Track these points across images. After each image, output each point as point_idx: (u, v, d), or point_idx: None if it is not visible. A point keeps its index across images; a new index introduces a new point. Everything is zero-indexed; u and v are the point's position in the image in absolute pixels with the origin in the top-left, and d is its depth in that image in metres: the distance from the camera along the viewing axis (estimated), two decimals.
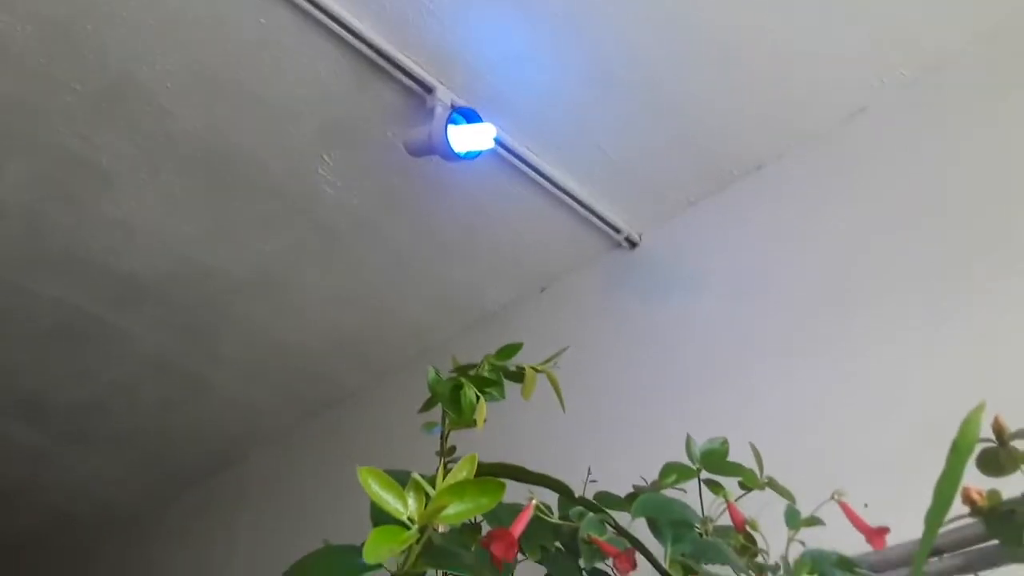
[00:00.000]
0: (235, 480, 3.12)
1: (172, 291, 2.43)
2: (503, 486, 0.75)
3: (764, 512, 1.04)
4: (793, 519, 0.99)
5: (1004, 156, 1.57)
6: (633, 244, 2.14)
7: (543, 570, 1.04)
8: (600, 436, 1.93)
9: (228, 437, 3.04)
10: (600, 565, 1.05)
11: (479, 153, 1.76)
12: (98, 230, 2.22)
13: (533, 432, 1.87)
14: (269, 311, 2.48)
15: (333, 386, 2.75)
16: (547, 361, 1.11)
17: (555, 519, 0.97)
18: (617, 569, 0.99)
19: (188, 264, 2.33)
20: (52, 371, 2.79)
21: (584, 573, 1.05)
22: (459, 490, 0.74)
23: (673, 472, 1.10)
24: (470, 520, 0.93)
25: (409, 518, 0.74)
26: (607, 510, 1.01)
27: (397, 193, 2.08)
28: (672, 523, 0.95)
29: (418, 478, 0.76)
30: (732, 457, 1.15)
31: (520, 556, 0.98)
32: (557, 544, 1.01)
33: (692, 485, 1.13)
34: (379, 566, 0.73)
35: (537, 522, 0.94)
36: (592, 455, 1.72)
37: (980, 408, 0.74)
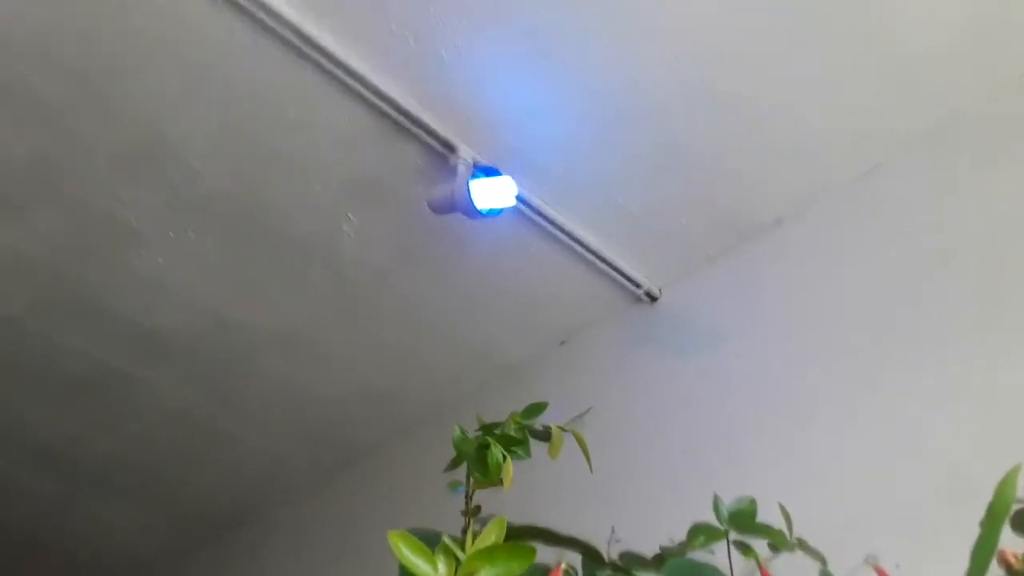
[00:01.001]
0: (260, 533, 3.09)
1: (197, 345, 2.44)
2: (533, 551, 0.74)
3: (795, 575, 1.03)
4: None
5: (1021, 208, 1.58)
6: (653, 298, 2.15)
7: None
8: (621, 491, 1.91)
9: (254, 490, 3.03)
10: None
11: (501, 210, 1.78)
12: (126, 285, 2.25)
13: (555, 488, 1.85)
14: (294, 366, 2.49)
15: (358, 440, 2.74)
16: (573, 420, 1.10)
17: None
18: None
19: (213, 318, 2.35)
20: (75, 423, 2.80)
21: None
22: (489, 555, 0.74)
23: (701, 534, 1.08)
24: None
25: None
26: (634, 573, 1.00)
27: (420, 249, 2.10)
28: None
29: (448, 542, 0.75)
30: (758, 515, 1.13)
31: None
32: None
33: (720, 546, 1.11)
34: None
35: None
36: (615, 510, 1.70)
37: (1016, 470, 0.74)
